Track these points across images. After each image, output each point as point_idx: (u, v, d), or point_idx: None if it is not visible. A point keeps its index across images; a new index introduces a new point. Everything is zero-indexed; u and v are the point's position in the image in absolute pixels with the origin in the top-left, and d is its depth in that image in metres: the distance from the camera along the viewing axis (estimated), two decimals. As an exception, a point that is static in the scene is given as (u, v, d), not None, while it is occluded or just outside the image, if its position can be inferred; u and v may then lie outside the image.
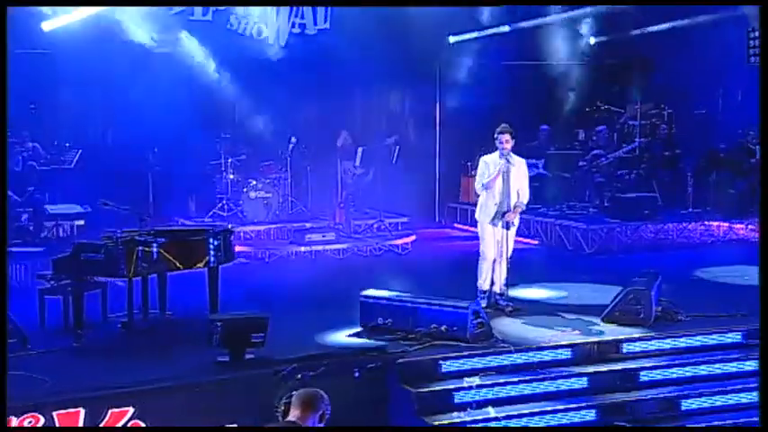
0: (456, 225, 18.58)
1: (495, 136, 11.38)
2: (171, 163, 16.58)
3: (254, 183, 16.12)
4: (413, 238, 16.10)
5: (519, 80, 18.62)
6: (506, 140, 11.26)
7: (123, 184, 15.69)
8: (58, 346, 10.10)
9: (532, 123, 18.17)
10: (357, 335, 10.53)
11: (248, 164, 16.60)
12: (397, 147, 16.89)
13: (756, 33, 17.15)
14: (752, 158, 17.17)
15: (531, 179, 17.12)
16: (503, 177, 11.29)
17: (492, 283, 11.50)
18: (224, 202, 15.87)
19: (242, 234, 15.40)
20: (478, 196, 11.69)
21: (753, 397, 10.04)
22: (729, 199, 16.85)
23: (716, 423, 9.72)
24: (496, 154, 11.27)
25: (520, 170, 11.51)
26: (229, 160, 16.11)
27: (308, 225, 15.76)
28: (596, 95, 19.22)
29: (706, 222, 16.66)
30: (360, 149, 16.22)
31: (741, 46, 17.39)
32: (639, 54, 19.28)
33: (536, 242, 16.48)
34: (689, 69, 18.44)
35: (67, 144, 15.98)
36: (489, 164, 11.30)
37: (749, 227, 16.62)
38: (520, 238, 16.51)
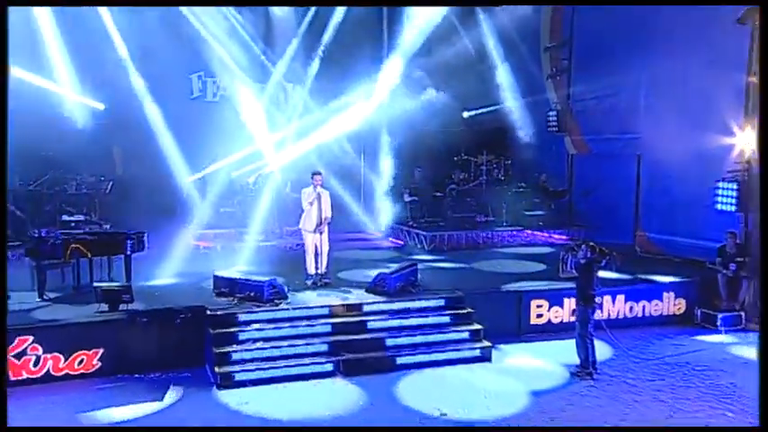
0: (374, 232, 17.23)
1: (311, 176, 11.27)
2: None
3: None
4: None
5: (409, 139, 17.69)
6: (318, 180, 11.18)
7: (165, 202, 15.52)
8: (29, 301, 10.10)
9: (412, 166, 17.92)
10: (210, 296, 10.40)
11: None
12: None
13: (552, 112, 17.12)
14: (545, 194, 17.16)
15: (407, 203, 17.37)
16: (317, 203, 11.16)
17: (316, 268, 11.30)
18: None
19: (212, 234, 15.00)
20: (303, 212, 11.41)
21: (440, 337, 10.08)
22: (530, 217, 16.69)
23: (418, 357, 9.71)
24: (311, 187, 11.17)
25: (326, 198, 11.31)
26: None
27: (255, 230, 15.35)
28: (461, 149, 18.88)
29: (514, 232, 16.27)
30: (289, 181, 15.85)
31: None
32: (493, 123, 18.98)
33: (401, 242, 16.26)
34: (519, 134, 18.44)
35: (102, 177, 15.61)
36: (305, 193, 11.24)
37: (545, 234, 16.55)
38: (392, 240, 16.74)
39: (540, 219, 16.64)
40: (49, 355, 8.83)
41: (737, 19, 11.56)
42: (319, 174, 11.37)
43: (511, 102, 18.26)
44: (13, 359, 8.66)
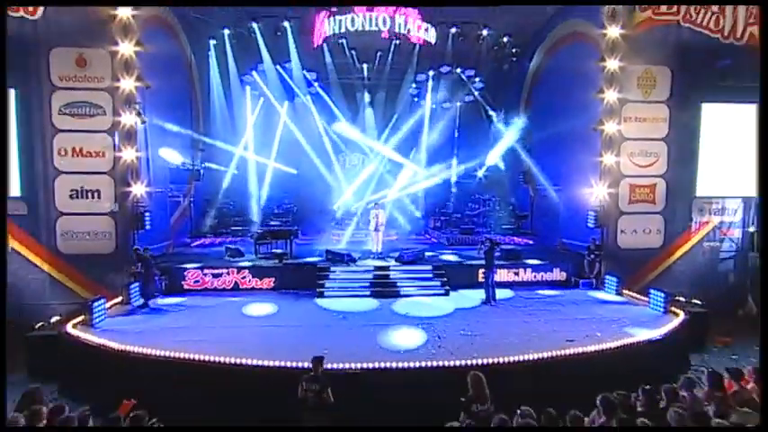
0: (427, 235, 18.25)
1: (373, 205, 13.40)
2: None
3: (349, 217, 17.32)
4: (395, 237, 16.45)
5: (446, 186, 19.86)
6: (375, 207, 13.38)
7: (322, 216, 17.56)
8: (247, 259, 12.55)
9: (446, 200, 19.99)
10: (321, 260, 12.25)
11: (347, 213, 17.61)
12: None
13: (522, 172, 18.57)
14: (518, 214, 18.42)
15: (443, 220, 19.44)
16: (376, 217, 12.95)
17: (375, 248, 12.98)
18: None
19: (340, 233, 16.01)
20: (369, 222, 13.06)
21: (425, 284, 11.38)
22: (504, 229, 17.99)
23: (411, 291, 11.05)
24: (373, 211, 13.08)
25: (381, 214, 12.88)
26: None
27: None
28: (476, 191, 20.28)
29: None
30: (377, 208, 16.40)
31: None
32: (494, 176, 20.03)
33: (435, 240, 17.67)
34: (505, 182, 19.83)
35: (292, 204, 18.17)
36: (371, 213, 13.04)
37: (518, 238, 17.74)
38: (433, 239, 18.10)
39: (510, 230, 18.05)
40: (253, 279, 11.88)
41: (593, 127, 13.23)
42: (375, 203, 13.68)
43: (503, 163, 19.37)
44: (241, 279, 11.92)
